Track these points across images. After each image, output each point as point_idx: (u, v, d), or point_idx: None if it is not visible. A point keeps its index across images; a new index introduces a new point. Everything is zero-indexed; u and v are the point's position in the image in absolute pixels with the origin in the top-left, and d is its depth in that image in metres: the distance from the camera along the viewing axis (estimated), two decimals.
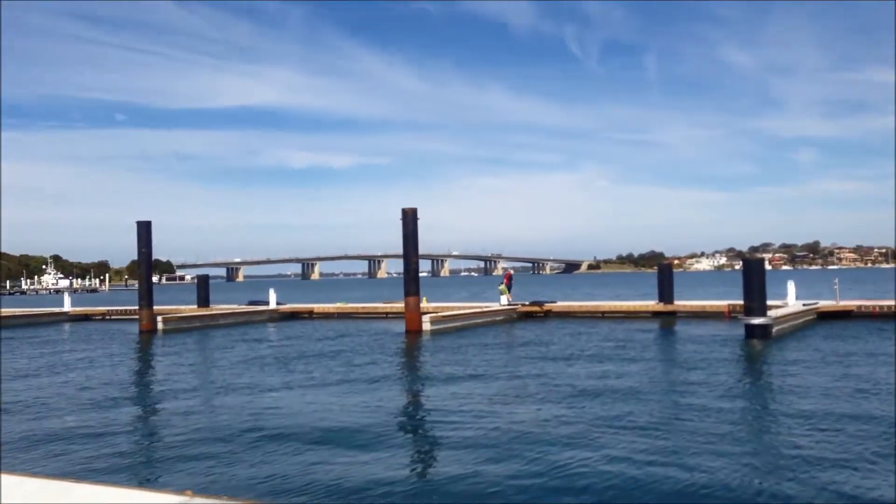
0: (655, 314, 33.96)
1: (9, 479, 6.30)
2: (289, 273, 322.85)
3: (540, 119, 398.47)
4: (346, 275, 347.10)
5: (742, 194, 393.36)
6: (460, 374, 17.62)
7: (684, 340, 24.30)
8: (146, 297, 32.84)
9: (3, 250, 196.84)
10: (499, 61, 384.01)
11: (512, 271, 44.41)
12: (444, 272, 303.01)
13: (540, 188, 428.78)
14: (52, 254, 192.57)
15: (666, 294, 34.20)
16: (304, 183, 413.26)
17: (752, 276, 24.45)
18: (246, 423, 12.03)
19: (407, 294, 28.79)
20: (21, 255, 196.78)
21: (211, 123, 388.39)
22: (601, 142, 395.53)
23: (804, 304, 30.71)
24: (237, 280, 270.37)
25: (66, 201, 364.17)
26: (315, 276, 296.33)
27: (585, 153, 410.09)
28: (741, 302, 30.79)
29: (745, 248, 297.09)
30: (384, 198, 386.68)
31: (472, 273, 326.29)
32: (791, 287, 32.12)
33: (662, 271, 35.46)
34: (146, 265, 33.51)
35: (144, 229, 32.83)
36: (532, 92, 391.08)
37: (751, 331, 23.75)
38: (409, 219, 28.67)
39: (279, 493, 8.11)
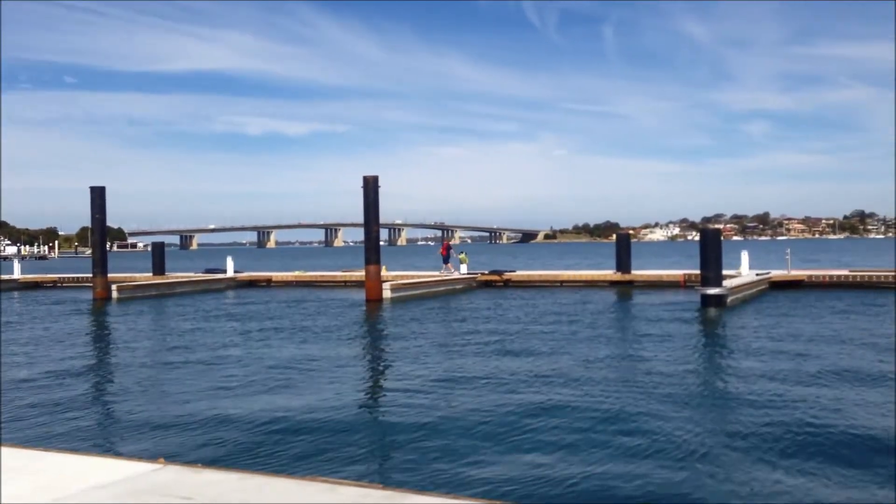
0: (613, 283, 34.42)
1: None
2: (244, 241, 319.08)
3: (499, 88, 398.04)
4: (302, 243, 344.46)
5: (696, 166, 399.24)
6: (420, 343, 17.66)
7: (642, 308, 24.71)
8: (100, 264, 32.18)
9: None
10: (458, 29, 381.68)
11: (450, 241, 44.59)
12: (402, 241, 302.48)
13: (498, 158, 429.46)
14: None
15: (623, 264, 34.65)
16: (259, 150, 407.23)
17: (709, 246, 24.90)
18: (206, 393, 11.93)
19: (367, 262, 28.69)
20: None
21: (163, 87, 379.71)
22: (560, 112, 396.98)
23: (757, 274, 31.41)
24: (191, 248, 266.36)
25: (13, 166, 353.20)
26: (271, 244, 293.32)
27: (544, 123, 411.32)
28: (696, 272, 31.45)
29: (697, 219, 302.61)
30: (341, 166, 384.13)
31: (430, 242, 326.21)
32: (745, 257, 32.82)
33: (620, 241, 35.88)
34: (100, 232, 32.78)
35: (98, 195, 32.07)
36: (491, 61, 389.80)
37: (706, 300, 24.24)
38: (371, 187, 28.48)
39: (240, 460, 8.08)
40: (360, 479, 6.87)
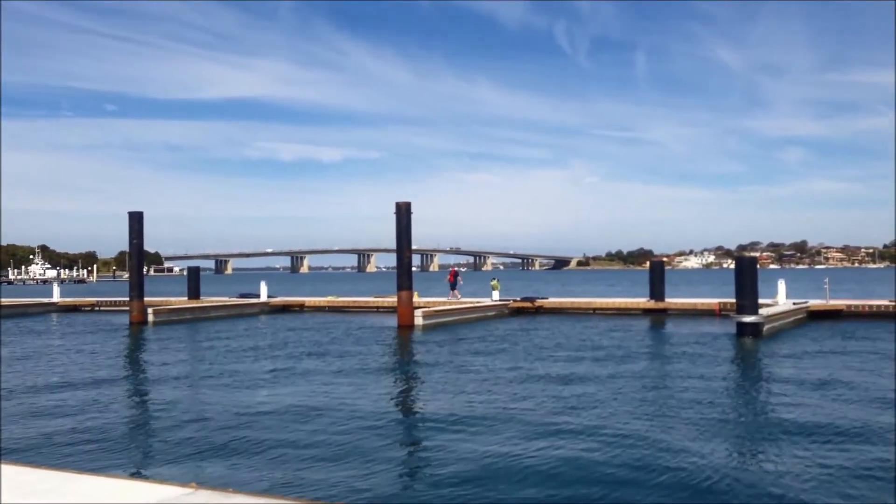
0: (646, 311, 34.07)
1: (8, 470, 6.26)
2: (277, 266, 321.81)
3: (529, 114, 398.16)
4: (334, 268, 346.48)
5: (730, 193, 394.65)
6: (452, 370, 17.60)
7: (676, 337, 24.39)
8: (136, 288, 32.64)
9: None
10: (488, 56, 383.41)
11: (457, 268, 44.57)
12: (434, 267, 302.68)
13: (529, 184, 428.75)
14: (39, 244, 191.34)
15: (657, 291, 34.31)
16: (293, 176, 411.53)
17: (745, 274, 24.55)
18: (240, 418, 11.99)
19: (400, 288, 28.74)
20: (8, 245, 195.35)
21: (199, 114, 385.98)
22: (590, 138, 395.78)
23: (794, 304, 30.88)
24: (226, 272, 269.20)
25: (54, 191, 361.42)
26: (304, 269, 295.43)
27: (575, 149, 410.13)
28: (731, 300, 31.01)
29: (733, 247, 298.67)
30: (374, 192, 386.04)
31: (462, 268, 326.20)
32: (781, 286, 32.30)
33: (654, 269, 35.55)
34: (138, 256, 33.31)
35: (136, 220, 32.62)
36: (521, 87, 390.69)
37: (742, 329, 23.87)
38: (403, 213, 28.61)
39: (268, 485, 8.09)
40: None
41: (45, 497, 5.45)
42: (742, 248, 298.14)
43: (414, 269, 42.33)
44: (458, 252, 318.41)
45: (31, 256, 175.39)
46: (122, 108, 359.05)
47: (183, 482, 5.87)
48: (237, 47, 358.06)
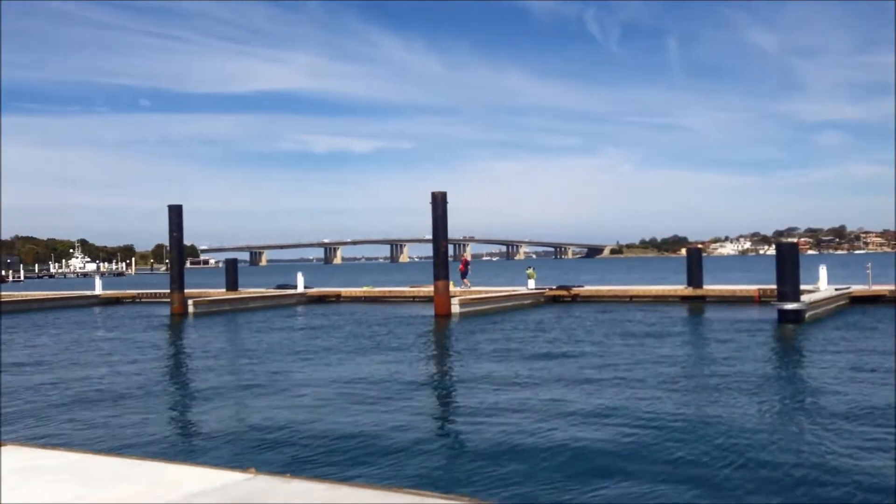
0: (684, 298, 33.78)
1: (67, 456, 6.44)
2: (311, 257, 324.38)
3: (559, 102, 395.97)
4: (367, 259, 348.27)
5: (766, 178, 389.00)
6: (491, 358, 17.65)
7: (716, 325, 24.17)
8: (177, 280, 33.14)
9: (30, 235, 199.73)
10: (518, 44, 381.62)
11: (468, 257, 44.55)
12: (467, 256, 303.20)
13: (560, 172, 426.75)
14: (78, 238, 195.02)
15: (695, 278, 34.00)
16: (325, 167, 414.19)
17: (786, 260, 24.24)
18: (284, 404, 12.16)
19: (436, 278, 28.83)
20: (48, 240, 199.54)
21: (233, 108, 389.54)
22: (622, 125, 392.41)
23: (836, 289, 30.41)
24: (260, 264, 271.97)
25: (91, 186, 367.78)
26: (337, 260, 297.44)
27: (606, 137, 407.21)
28: (771, 286, 30.65)
29: (769, 233, 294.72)
30: (406, 182, 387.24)
31: (494, 257, 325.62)
32: (823, 272, 31.82)
33: (691, 255, 35.23)
34: (177, 249, 33.80)
35: (176, 213, 33.09)
36: (552, 75, 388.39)
37: (784, 315, 23.59)
38: (439, 202, 28.67)
39: (316, 470, 8.20)
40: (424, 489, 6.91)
41: (106, 483, 5.60)
42: (779, 233, 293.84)
43: (469, 258, 42.72)
44: (489, 241, 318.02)
45: (71, 250, 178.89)
46: (157, 103, 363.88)
47: (242, 467, 5.99)
48: (268, 41, 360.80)
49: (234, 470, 5.94)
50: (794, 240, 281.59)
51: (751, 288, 33.78)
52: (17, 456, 6.43)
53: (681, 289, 34.89)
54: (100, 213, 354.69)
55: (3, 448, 6.73)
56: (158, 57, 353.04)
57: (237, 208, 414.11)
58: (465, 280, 39.87)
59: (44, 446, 6.96)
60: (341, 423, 10.57)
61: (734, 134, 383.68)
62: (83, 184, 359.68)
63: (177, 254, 33.95)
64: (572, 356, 17.42)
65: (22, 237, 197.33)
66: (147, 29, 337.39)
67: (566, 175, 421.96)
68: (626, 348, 18.66)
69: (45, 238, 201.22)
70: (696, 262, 34.41)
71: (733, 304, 31.98)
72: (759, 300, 31.66)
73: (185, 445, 9.61)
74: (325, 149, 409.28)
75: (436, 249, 29.27)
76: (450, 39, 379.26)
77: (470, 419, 10.89)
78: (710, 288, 34.47)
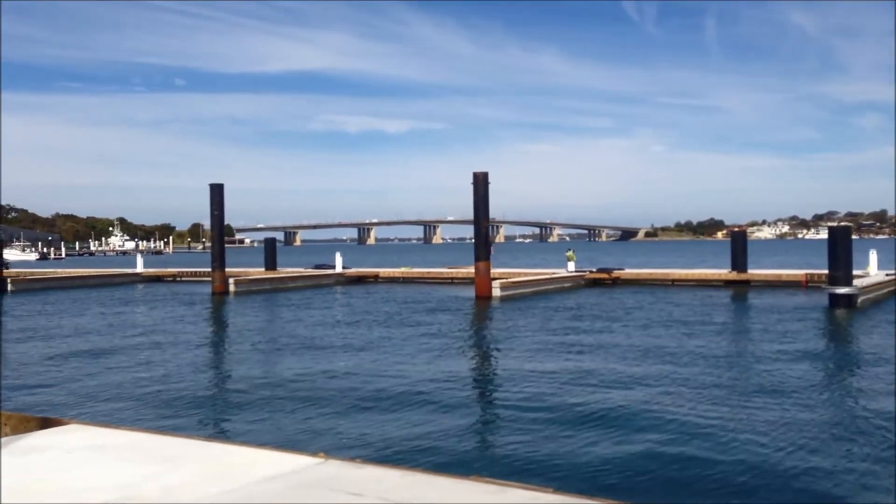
0: (728, 283, 33.17)
1: (131, 435, 6.36)
2: (344, 238, 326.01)
3: (593, 83, 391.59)
4: (400, 240, 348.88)
5: (804, 160, 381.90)
6: (537, 340, 17.43)
7: (764, 309, 23.65)
8: (218, 259, 33.34)
9: (70, 213, 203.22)
10: (552, 24, 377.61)
11: (493, 240, 44.01)
12: (500, 238, 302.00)
13: (595, 154, 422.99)
14: (116, 216, 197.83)
15: (739, 262, 33.35)
16: (358, 148, 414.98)
17: (838, 244, 23.62)
18: (344, 386, 12.08)
19: (477, 259, 28.64)
20: (88, 218, 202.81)
21: (265, 88, 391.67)
22: (657, 107, 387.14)
23: (886, 275, 29.64)
24: (295, 244, 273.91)
25: (128, 165, 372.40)
26: (371, 240, 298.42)
27: (640, 118, 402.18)
28: (819, 271, 30.01)
29: (808, 217, 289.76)
30: (438, 163, 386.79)
31: (526, 239, 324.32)
32: (873, 256, 31.04)
33: (735, 239, 34.57)
34: (218, 227, 33.98)
35: (217, 192, 33.22)
36: (586, 56, 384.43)
37: (835, 300, 23.01)
38: (480, 183, 28.39)
39: (366, 454, 8.08)
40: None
41: (174, 462, 5.50)
42: (818, 217, 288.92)
43: (492, 240, 42.59)
44: (522, 223, 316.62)
45: (111, 228, 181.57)
46: (191, 83, 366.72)
47: (312, 451, 5.86)
48: (300, 20, 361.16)
49: (304, 454, 5.82)
50: (834, 224, 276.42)
51: (798, 272, 33.05)
52: (82, 434, 6.37)
53: (725, 273, 34.25)
54: (137, 192, 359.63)
55: (67, 426, 6.68)
56: (193, 36, 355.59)
57: (270, 188, 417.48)
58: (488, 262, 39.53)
59: (107, 425, 6.89)
60: (386, 406, 10.45)
61: (771, 115, 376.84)
62: (121, 163, 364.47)
63: (218, 233, 34.12)
64: (617, 341, 17.12)
65: (62, 215, 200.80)
66: (182, 8, 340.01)
67: (600, 157, 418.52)
68: (673, 333, 18.29)
69: (84, 216, 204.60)
70: (740, 246, 33.74)
71: (779, 288, 31.32)
72: (807, 285, 30.98)
73: (241, 426, 9.53)
74: (357, 129, 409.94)
75: (477, 230, 29.04)
76: (482, 20, 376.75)
77: (514, 403, 10.68)
78: (756, 272, 33.80)
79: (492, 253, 40.01)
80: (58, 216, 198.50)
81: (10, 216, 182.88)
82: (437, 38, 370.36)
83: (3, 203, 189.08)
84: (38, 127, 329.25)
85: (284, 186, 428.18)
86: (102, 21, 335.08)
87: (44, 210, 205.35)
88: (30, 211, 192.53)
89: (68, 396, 11.52)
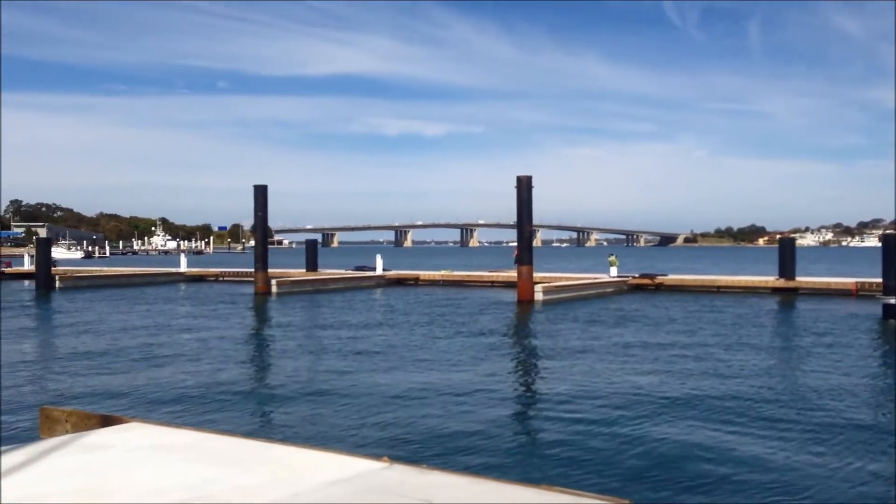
0: (776, 290, 32.51)
1: (193, 435, 6.33)
2: (381, 240, 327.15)
3: (635, 88, 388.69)
4: (437, 243, 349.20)
5: (850, 167, 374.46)
6: (582, 346, 17.20)
7: (813, 318, 23.09)
8: (261, 259, 33.59)
9: (114, 212, 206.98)
10: (594, 28, 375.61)
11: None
12: (537, 242, 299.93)
13: (634, 158, 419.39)
14: (157, 216, 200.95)
15: (787, 269, 32.67)
16: (396, 151, 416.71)
17: (893, 252, 22.94)
18: (391, 388, 12.00)
19: (520, 263, 28.43)
20: (131, 217, 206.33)
21: (307, 90, 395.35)
22: (699, 112, 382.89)
23: None
24: (332, 245, 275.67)
25: (169, 166, 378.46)
26: (408, 243, 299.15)
27: (682, 123, 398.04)
28: (870, 280, 29.30)
29: (853, 224, 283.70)
30: (476, 166, 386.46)
31: (563, 244, 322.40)
32: None
33: (784, 245, 33.87)
34: (262, 228, 34.23)
35: (261, 193, 33.46)
36: (627, 60, 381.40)
37: (890, 310, 22.34)
38: (524, 187, 28.21)
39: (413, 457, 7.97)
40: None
41: (237, 464, 5.44)
42: (863, 224, 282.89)
43: (515, 244, 42.52)
44: (559, 227, 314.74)
45: (153, 228, 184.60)
46: (234, 85, 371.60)
47: (375, 455, 5.76)
48: (343, 24, 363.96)
49: (367, 457, 5.72)
50: (880, 232, 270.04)
51: (847, 280, 32.27)
52: (144, 433, 6.35)
53: (772, 280, 33.59)
54: (178, 193, 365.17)
55: (128, 424, 6.67)
56: (236, 39, 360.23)
57: (309, 190, 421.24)
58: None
59: (168, 424, 6.87)
60: (436, 412, 10.33)
61: (816, 121, 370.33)
62: (163, 164, 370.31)
63: (261, 233, 34.37)
64: (663, 347, 16.80)
65: (106, 214, 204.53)
66: (225, 12, 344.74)
67: (639, 161, 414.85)
68: (721, 341, 17.91)
69: (127, 216, 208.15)
70: (788, 253, 33.06)
71: (828, 297, 30.60)
72: (857, 294, 30.23)
73: (291, 426, 9.47)
74: (396, 132, 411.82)
75: (520, 234, 28.85)
76: (524, 24, 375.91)
77: (559, 408, 10.50)
78: (804, 280, 33.10)
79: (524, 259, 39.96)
80: (102, 216, 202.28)
81: (56, 215, 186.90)
82: (477, 41, 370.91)
83: (49, 202, 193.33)
84: (84, 128, 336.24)
85: (323, 188, 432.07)
86: (147, 24, 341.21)
87: (88, 209, 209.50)
88: (75, 210, 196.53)
89: (120, 394, 11.60)
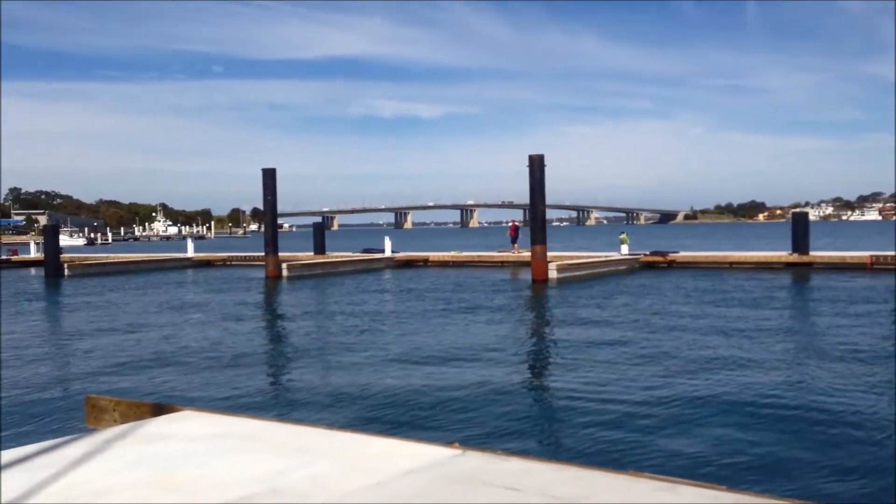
0: (789, 265, 32.34)
1: (252, 423, 6.15)
2: (381, 222, 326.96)
3: (632, 66, 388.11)
4: (437, 224, 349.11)
5: (848, 141, 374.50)
6: (602, 324, 17.04)
7: (831, 292, 22.89)
8: (271, 243, 33.41)
9: (113, 199, 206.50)
10: (590, 7, 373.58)
11: (518, 223, 44.47)
12: (516, 221, 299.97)
13: (632, 136, 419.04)
14: (156, 202, 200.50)
15: (801, 244, 32.48)
16: (393, 132, 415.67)
17: None
18: (425, 371, 11.86)
19: (533, 242, 28.24)
20: (130, 203, 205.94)
21: (302, 74, 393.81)
22: (696, 88, 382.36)
23: None
24: (332, 228, 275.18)
25: (166, 151, 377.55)
26: (408, 225, 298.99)
27: (680, 100, 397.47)
28: (885, 253, 29.16)
29: (853, 198, 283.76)
30: (474, 147, 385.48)
31: (563, 223, 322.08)
32: None
33: (797, 220, 33.67)
34: (271, 212, 33.98)
35: (269, 177, 33.20)
36: (624, 38, 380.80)
37: None
38: (536, 166, 27.95)
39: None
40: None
41: (308, 454, 5.26)
42: (863, 198, 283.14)
43: (518, 223, 42.40)
44: (559, 207, 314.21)
45: (154, 214, 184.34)
46: (229, 70, 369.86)
47: (446, 442, 5.59)
48: (338, 6, 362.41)
49: (438, 444, 5.55)
50: (880, 205, 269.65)
51: (863, 254, 32.07)
52: (201, 422, 6.17)
53: (785, 255, 33.39)
54: (176, 178, 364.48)
55: (181, 412, 6.50)
56: (230, 24, 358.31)
57: (307, 173, 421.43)
58: (516, 245, 39.88)
59: (223, 412, 6.68)
60: (461, 394, 10.19)
61: (814, 95, 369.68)
62: (160, 149, 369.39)
63: (271, 217, 34.15)
64: (683, 326, 16.64)
65: (106, 201, 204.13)
66: None
67: (638, 139, 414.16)
68: (741, 317, 17.71)
69: (127, 202, 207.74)
70: (801, 227, 32.86)
71: (843, 270, 30.43)
72: (872, 267, 30.08)
73: (330, 411, 9.29)
74: (392, 114, 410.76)
75: (533, 214, 28.62)
76: (520, 4, 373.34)
77: (584, 389, 10.34)
78: (817, 254, 32.93)
79: (519, 237, 39.99)
80: (101, 202, 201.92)
81: (55, 202, 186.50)
82: (474, 22, 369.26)
83: (49, 189, 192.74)
84: (80, 115, 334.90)
85: (321, 171, 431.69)
86: (141, 9, 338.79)
87: (87, 196, 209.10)
88: (74, 197, 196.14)
89: (155, 382, 11.43)
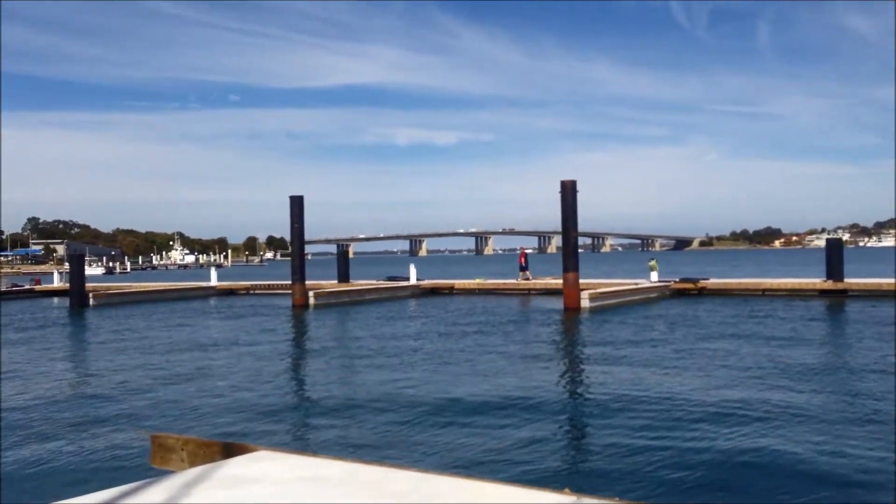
0: (823, 292, 31.75)
1: (340, 466, 5.81)
2: (395, 250, 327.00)
3: (646, 92, 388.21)
4: (451, 251, 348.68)
5: (864, 167, 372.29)
6: (640, 354, 16.60)
7: (870, 321, 22.27)
8: (298, 271, 33.13)
9: (130, 228, 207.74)
10: (603, 33, 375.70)
11: (528, 250, 44.49)
12: (552, 249, 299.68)
13: (647, 163, 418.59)
14: (172, 230, 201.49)
15: (835, 270, 31.91)
16: (408, 160, 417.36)
17: None
18: (473, 404, 11.47)
19: (565, 270, 27.86)
20: (147, 232, 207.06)
21: (318, 102, 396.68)
22: (711, 114, 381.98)
23: None
24: (348, 256, 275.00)
25: (183, 180, 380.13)
26: (423, 252, 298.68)
27: (694, 126, 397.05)
28: None
29: (869, 224, 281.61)
30: (489, 174, 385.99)
31: (579, 250, 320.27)
32: None
33: (831, 247, 33.12)
34: (299, 240, 33.77)
35: (297, 204, 33.04)
36: (637, 64, 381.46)
37: None
38: (569, 192, 27.65)
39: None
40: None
41: (409, 499, 4.90)
42: (880, 224, 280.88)
43: (530, 251, 42.23)
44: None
45: (171, 243, 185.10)
46: (245, 98, 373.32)
47: (554, 487, 5.21)
48: (352, 35, 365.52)
49: (546, 490, 5.17)
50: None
51: None
52: (283, 464, 5.81)
53: (819, 282, 32.84)
54: (192, 207, 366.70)
55: (256, 453, 6.14)
56: (247, 53, 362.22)
57: (322, 200, 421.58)
58: (527, 272, 39.80)
59: (301, 452, 6.32)
60: (497, 423, 9.79)
61: (830, 121, 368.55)
62: (177, 178, 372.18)
63: (298, 245, 33.94)
64: (723, 354, 16.18)
65: (123, 230, 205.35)
66: (234, 25, 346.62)
67: (653, 166, 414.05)
68: (781, 347, 17.21)
69: (143, 231, 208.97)
70: (836, 254, 32.31)
71: (879, 298, 29.80)
72: None
73: (398, 451, 8.88)
74: (407, 141, 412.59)
75: (566, 240, 28.29)
76: (534, 31, 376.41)
77: (627, 420, 9.92)
78: (852, 281, 32.33)
79: (525, 265, 39.70)
80: (118, 231, 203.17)
81: (73, 231, 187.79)
82: (487, 49, 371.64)
83: (66, 219, 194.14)
84: (97, 144, 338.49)
85: (336, 199, 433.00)
86: (157, 39, 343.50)
87: (104, 225, 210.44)
88: (91, 227, 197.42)
89: (205, 415, 11.08)
